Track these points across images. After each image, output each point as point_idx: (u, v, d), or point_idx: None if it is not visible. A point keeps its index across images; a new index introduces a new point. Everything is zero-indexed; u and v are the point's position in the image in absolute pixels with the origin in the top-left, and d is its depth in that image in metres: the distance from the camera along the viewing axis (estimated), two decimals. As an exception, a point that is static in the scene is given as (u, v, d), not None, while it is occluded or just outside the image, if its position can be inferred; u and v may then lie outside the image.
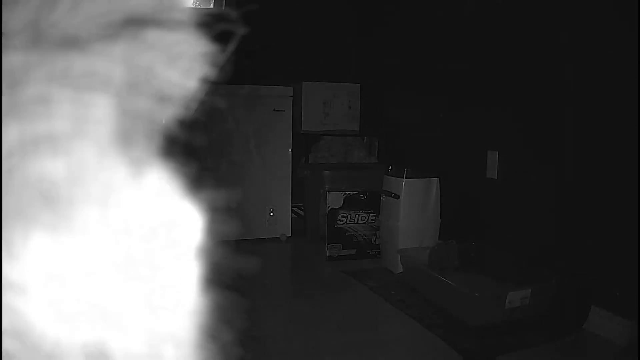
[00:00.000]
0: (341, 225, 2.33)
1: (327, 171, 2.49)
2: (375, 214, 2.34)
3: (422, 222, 2.13)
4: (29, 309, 0.14)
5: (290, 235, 2.68)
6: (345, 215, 2.34)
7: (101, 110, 0.15)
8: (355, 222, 2.35)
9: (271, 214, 2.64)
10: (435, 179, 2.16)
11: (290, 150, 2.69)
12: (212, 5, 2.96)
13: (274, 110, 2.63)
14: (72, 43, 0.15)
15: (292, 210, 2.74)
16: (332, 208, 2.32)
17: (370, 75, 3.04)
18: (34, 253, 0.14)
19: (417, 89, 2.69)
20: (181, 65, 0.17)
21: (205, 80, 0.18)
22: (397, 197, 2.11)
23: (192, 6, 2.96)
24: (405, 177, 2.10)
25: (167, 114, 0.18)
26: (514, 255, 1.86)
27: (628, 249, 1.46)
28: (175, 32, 0.17)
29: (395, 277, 2.08)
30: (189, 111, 0.19)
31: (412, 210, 2.11)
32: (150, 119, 0.17)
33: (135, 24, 0.16)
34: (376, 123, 3.01)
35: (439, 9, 2.47)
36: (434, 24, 2.53)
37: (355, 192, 2.35)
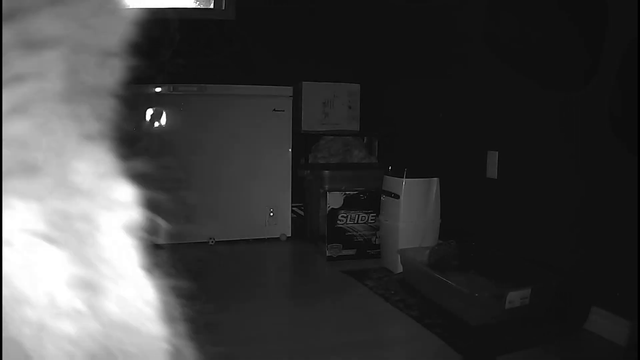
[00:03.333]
0: (341, 225, 2.33)
1: (327, 171, 2.49)
2: (375, 214, 2.34)
3: (422, 222, 2.13)
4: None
5: (290, 235, 2.68)
6: (345, 215, 2.34)
7: (54, 68, 0.16)
8: (355, 222, 2.35)
9: (271, 214, 2.64)
10: (435, 179, 2.16)
11: (290, 150, 2.69)
12: (212, 5, 2.96)
13: (274, 110, 2.63)
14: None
15: (292, 210, 2.74)
16: (332, 208, 2.32)
17: (370, 75, 3.04)
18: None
19: (417, 89, 2.69)
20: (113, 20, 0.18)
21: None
22: (397, 197, 2.11)
23: (193, 5, 2.96)
24: (405, 177, 2.10)
25: (112, 73, 0.18)
26: (514, 255, 1.86)
27: (628, 249, 1.46)
28: None
29: (395, 277, 2.08)
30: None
31: (412, 210, 2.11)
32: (95, 77, 0.18)
33: None
34: (376, 123, 3.01)
35: (439, 10, 2.47)
36: (434, 24, 2.53)
37: (355, 192, 2.35)
